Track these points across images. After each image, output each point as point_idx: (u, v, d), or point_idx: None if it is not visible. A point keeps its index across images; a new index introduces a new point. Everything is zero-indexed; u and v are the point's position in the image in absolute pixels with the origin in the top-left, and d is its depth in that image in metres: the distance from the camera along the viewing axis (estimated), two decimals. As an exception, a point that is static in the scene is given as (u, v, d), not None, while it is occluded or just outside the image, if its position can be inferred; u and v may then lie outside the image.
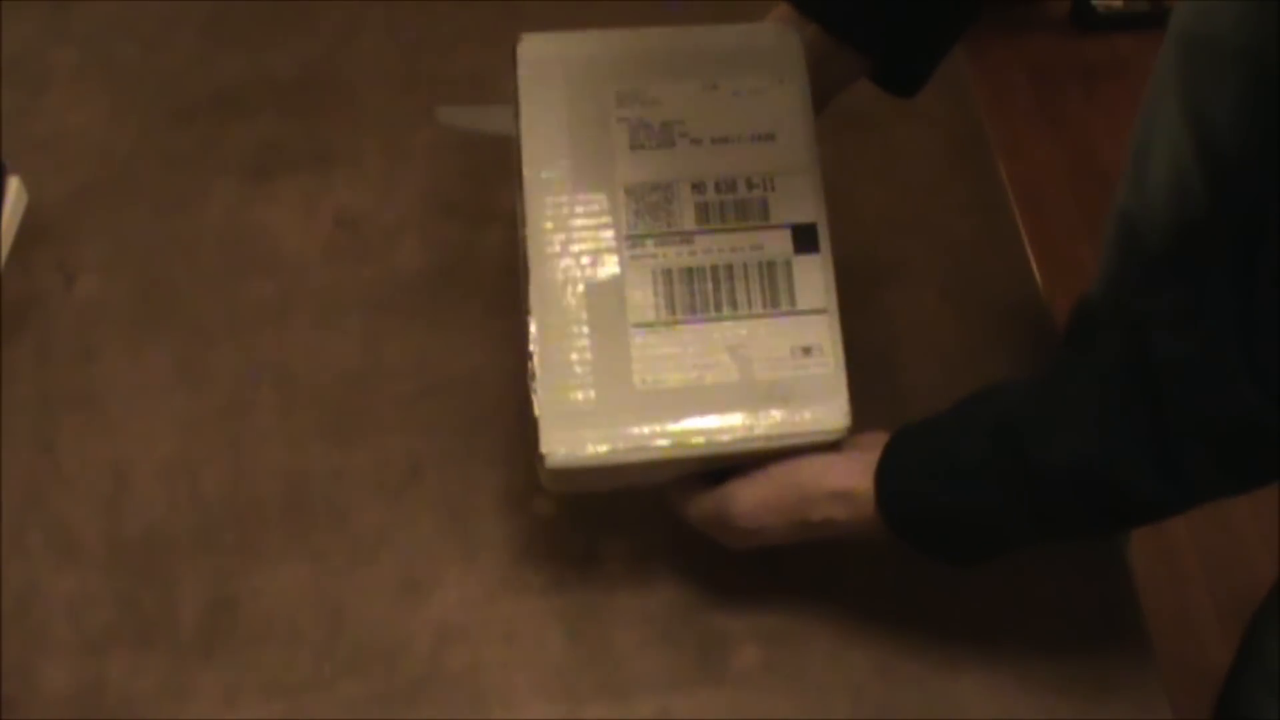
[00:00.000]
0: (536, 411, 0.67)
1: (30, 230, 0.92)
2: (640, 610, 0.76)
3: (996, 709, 0.72)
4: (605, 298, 0.68)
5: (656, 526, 0.75)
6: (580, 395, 0.67)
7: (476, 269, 0.89)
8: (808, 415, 0.68)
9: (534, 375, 0.67)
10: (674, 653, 0.74)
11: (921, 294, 0.89)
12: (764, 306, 0.69)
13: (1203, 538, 1.58)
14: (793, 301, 0.69)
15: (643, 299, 0.68)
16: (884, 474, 0.65)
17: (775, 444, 0.68)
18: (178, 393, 0.85)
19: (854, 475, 0.66)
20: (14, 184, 0.92)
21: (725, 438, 0.67)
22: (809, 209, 0.70)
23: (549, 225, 0.69)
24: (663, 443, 0.67)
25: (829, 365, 0.68)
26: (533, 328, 0.67)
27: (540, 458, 0.67)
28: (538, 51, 0.71)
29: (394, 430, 0.83)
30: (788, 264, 0.69)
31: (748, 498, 0.68)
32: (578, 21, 1.02)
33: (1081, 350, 0.63)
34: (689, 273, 0.69)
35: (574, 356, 0.67)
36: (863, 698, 0.73)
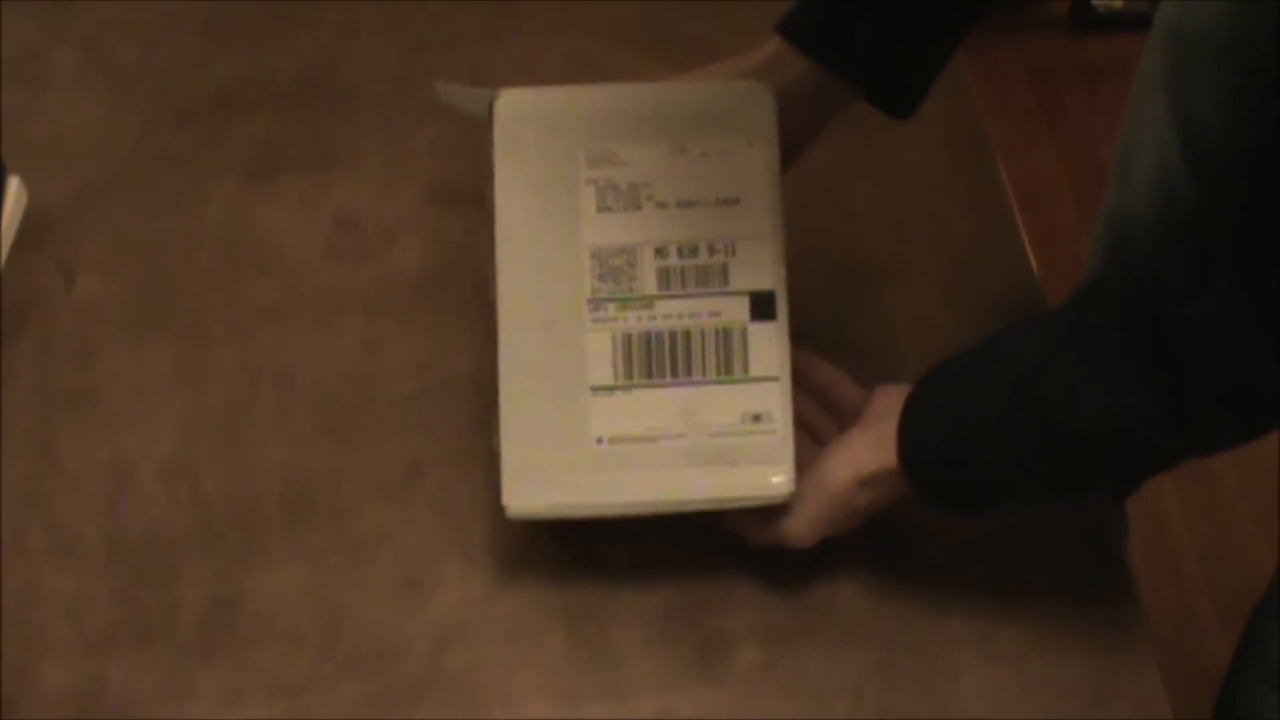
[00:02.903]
0: (501, 465, 0.71)
1: (30, 230, 0.92)
2: (640, 610, 0.76)
3: (997, 709, 0.72)
4: (567, 359, 0.71)
5: (656, 526, 0.75)
6: (541, 452, 0.71)
7: (476, 269, 0.89)
8: (752, 480, 0.71)
9: (498, 431, 0.71)
10: (674, 653, 0.74)
11: (921, 294, 0.89)
12: (718, 373, 0.71)
13: (1203, 538, 1.58)
14: (746, 369, 0.71)
15: (602, 362, 0.71)
16: (907, 448, 0.67)
17: (721, 505, 0.72)
18: (178, 393, 0.85)
19: (876, 458, 0.68)
20: (14, 184, 0.92)
21: (673, 497, 0.71)
22: (768, 276, 0.72)
23: (518, 287, 0.72)
24: (614, 499, 0.71)
25: (777, 432, 0.71)
26: (501, 385, 0.71)
27: (504, 507, 0.71)
28: (514, 110, 0.73)
29: (394, 430, 0.83)
30: (743, 332, 0.71)
31: (799, 526, 0.71)
32: (576, 22, 1.03)
33: (1092, 312, 0.63)
34: (647, 338, 0.71)
35: (536, 415, 0.71)
36: (863, 698, 0.72)
